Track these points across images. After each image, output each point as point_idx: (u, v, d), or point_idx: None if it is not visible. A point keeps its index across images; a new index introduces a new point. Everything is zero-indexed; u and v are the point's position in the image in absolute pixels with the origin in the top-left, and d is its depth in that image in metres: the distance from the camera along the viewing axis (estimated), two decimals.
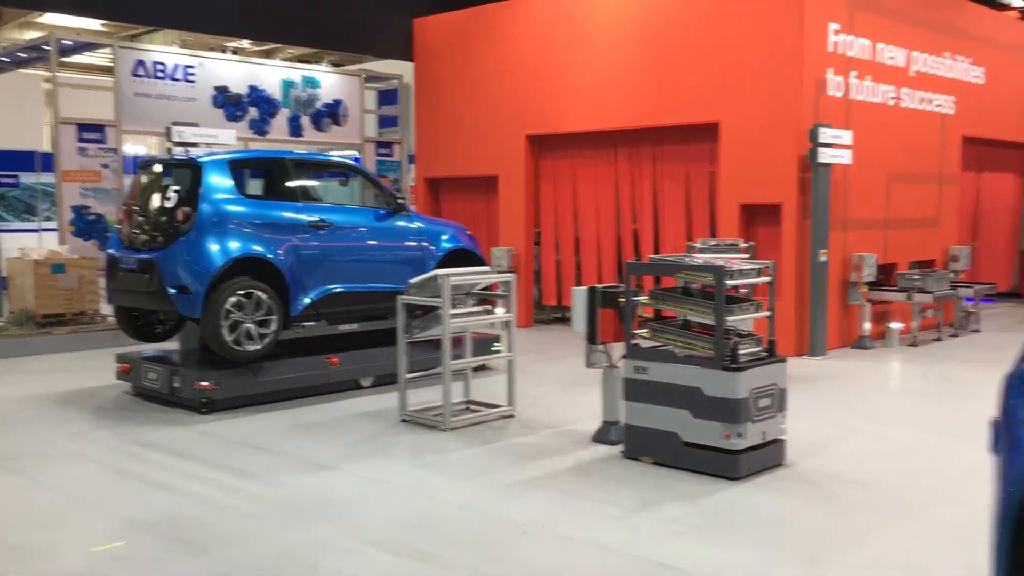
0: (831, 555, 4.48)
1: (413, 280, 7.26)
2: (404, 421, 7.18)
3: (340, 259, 8.41)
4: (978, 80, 13.03)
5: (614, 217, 12.15)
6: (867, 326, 10.73)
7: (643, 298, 6.19)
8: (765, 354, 5.89)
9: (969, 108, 12.71)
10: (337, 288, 8.38)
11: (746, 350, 5.77)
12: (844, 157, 10.19)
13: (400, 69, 15.17)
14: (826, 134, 9.92)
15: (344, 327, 8.79)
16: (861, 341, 10.71)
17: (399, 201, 9.11)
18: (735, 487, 5.46)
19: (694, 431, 5.68)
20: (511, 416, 7.30)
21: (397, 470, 5.98)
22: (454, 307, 7.00)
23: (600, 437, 6.51)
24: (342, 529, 4.84)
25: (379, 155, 15.44)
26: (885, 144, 11.12)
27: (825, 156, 9.95)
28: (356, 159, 14.56)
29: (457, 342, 7.50)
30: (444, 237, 9.34)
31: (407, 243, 8.98)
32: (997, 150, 14.03)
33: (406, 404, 7.25)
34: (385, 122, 16.43)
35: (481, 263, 9.28)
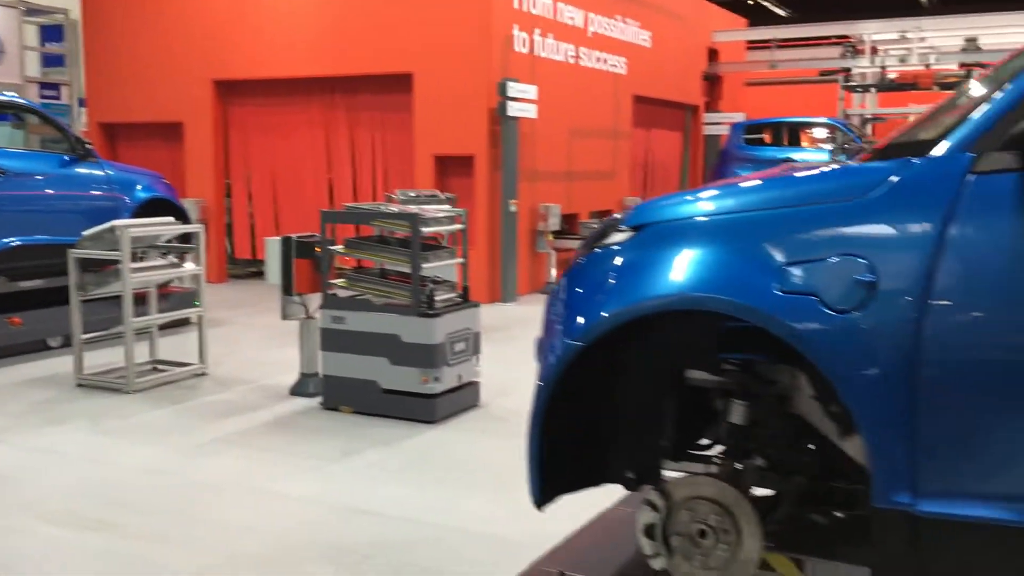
0: (518, 485, 4.74)
1: (87, 232, 6.68)
2: (81, 385, 6.62)
3: (17, 210, 7.67)
4: (646, 44, 14.15)
5: (310, 167, 11.90)
6: (553, 272, 11.42)
7: (339, 247, 6.14)
8: (460, 300, 6.08)
9: (639, 69, 13.80)
10: (15, 242, 7.63)
11: (441, 296, 5.91)
12: (530, 111, 10.68)
13: (65, 3, 13.71)
14: (514, 88, 10.33)
15: (27, 284, 7.97)
16: (548, 287, 11.40)
17: (87, 147, 8.40)
18: (433, 430, 5.62)
19: (393, 378, 5.75)
20: (203, 374, 6.97)
21: (73, 438, 5.51)
22: (137, 261, 6.55)
23: (298, 390, 6.41)
24: (4, 506, 4.39)
25: (44, 97, 13.90)
26: (567, 100, 11.79)
27: (513, 110, 10.37)
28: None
29: (142, 298, 7.03)
30: (139, 186, 8.76)
31: (96, 192, 8.34)
32: (663, 109, 15.39)
33: (83, 367, 6.69)
34: (50, 61, 14.79)
35: (182, 214, 8.83)
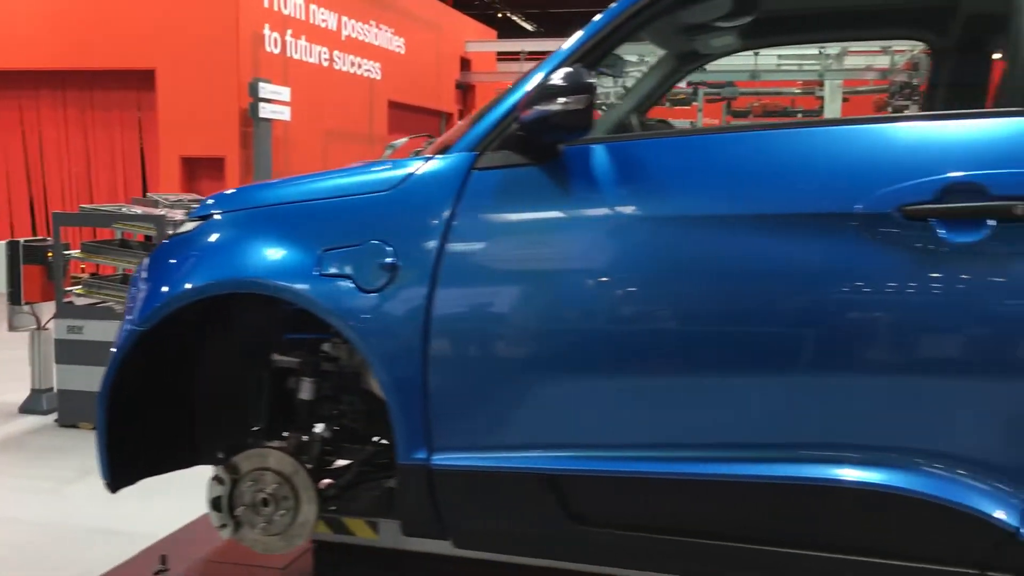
0: None
1: None
2: None
3: None
4: (400, 50, 14.28)
5: (39, 168, 10.97)
6: None
7: (75, 252, 5.74)
8: None
9: (393, 75, 13.89)
10: None
11: None
12: (284, 113, 10.46)
13: None
14: (266, 89, 10.08)
15: None
16: None
17: None
18: None
19: None
20: None
21: None
22: None
23: (29, 407, 5.91)
24: None
25: None
26: (321, 103, 11.66)
27: (265, 111, 10.11)
28: None
29: None
30: None
31: None
32: (417, 115, 15.58)
33: None
34: None
35: None
